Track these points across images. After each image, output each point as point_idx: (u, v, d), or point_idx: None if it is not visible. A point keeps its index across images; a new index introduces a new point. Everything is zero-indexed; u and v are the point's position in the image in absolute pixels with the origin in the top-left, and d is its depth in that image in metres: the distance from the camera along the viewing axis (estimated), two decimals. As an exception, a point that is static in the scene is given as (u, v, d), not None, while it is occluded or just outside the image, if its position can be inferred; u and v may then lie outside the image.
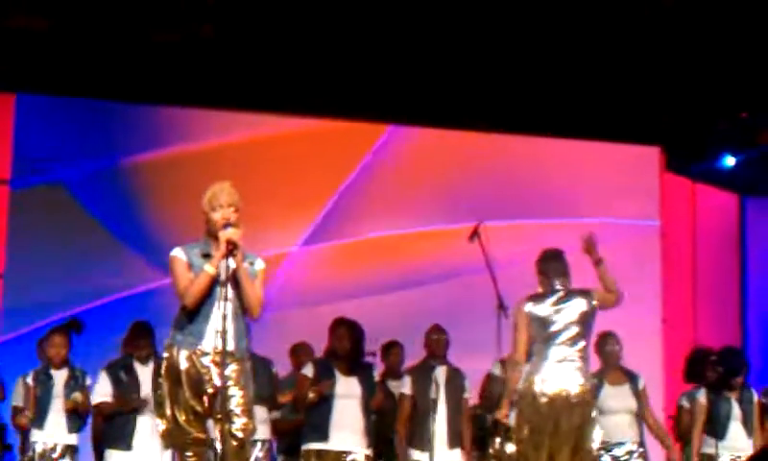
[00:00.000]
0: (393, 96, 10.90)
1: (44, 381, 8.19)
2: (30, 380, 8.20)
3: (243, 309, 5.86)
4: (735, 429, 8.39)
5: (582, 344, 6.98)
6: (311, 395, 7.88)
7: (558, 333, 6.93)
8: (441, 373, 8.31)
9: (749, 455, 7.77)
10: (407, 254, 11.33)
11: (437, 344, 8.44)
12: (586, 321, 7.00)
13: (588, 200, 11.48)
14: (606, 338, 8.10)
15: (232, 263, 5.77)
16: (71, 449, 8.17)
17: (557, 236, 10.92)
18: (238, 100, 10.87)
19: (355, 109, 11.04)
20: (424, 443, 8.10)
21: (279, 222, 10.82)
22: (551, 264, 7.13)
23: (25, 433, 8.18)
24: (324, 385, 7.85)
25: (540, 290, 7.11)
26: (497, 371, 8.14)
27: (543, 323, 6.96)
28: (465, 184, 11.34)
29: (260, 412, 8.10)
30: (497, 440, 8.04)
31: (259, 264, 5.98)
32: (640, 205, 11.70)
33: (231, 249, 5.74)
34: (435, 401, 8.14)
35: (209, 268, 5.78)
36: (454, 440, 8.25)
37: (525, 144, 11.63)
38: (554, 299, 7.03)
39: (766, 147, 11.66)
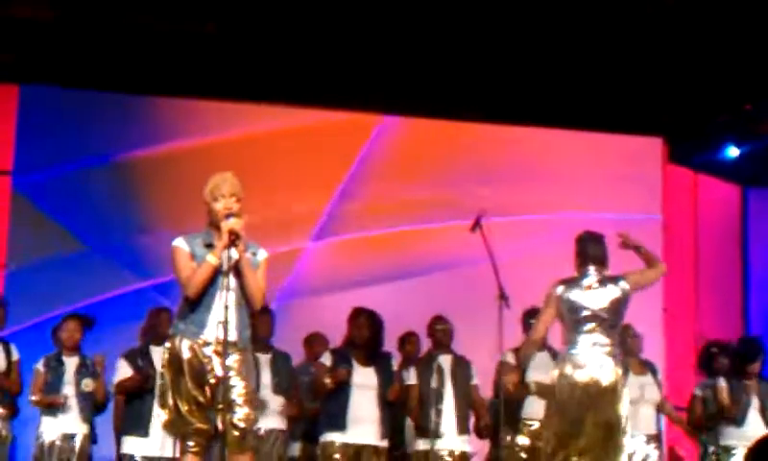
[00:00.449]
0: (393, 87, 10.89)
1: (56, 368, 8.22)
2: (41, 366, 8.24)
3: (245, 299, 5.87)
4: (754, 418, 8.42)
5: (613, 331, 6.85)
6: (327, 381, 7.91)
7: (589, 319, 6.79)
8: (445, 362, 8.34)
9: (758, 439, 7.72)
10: (408, 245, 11.33)
11: (442, 334, 8.48)
12: (617, 308, 6.87)
13: (589, 191, 11.48)
14: (625, 330, 8.06)
15: (234, 253, 5.76)
16: (83, 438, 8.19)
17: (558, 227, 11.05)
18: (242, 92, 10.89)
19: (355, 101, 11.04)
20: (431, 433, 8.12)
21: (282, 216, 10.83)
22: (589, 247, 6.98)
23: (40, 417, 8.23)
24: (340, 373, 7.90)
25: (575, 274, 6.97)
26: (510, 359, 8.14)
27: (575, 308, 6.82)
28: (466, 176, 11.33)
29: (279, 403, 8.15)
30: (509, 433, 8.10)
31: (262, 254, 5.98)
32: (642, 195, 11.70)
33: (234, 239, 5.74)
34: (438, 390, 8.16)
35: (212, 258, 5.78)
36: (463, 426, 8.28)
37: (527, 135, 11.62)
38: (587, 284, 6.89)
39: (769, 138, 11.67)
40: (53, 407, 8.13)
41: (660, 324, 11.30)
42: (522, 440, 8.19)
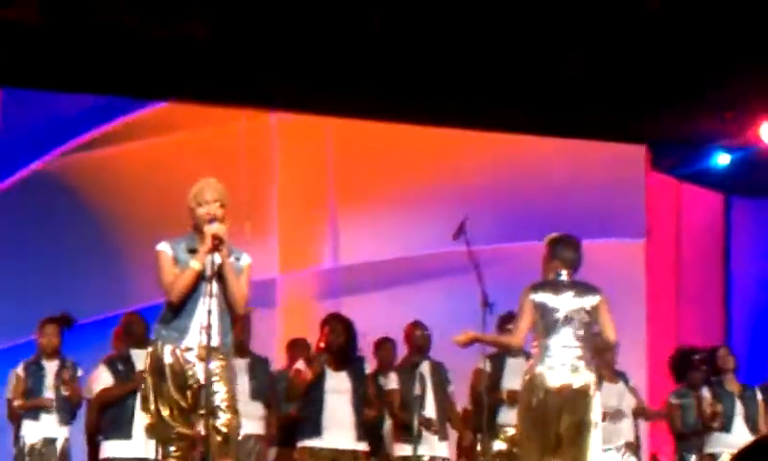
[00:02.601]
0: (383, 92, 10.89)
1: (35, 372, 8.19)
2: (21, 371, 8.21)
3: (228, 305, 5.86)
4: (739, 425, 8.44)
5: (585, 335, 6.77)
6: (307, 376, 7.93)
7: (561, 322, 6.73)
8: (425, 368, 8.36)
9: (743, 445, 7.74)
10: (391, 251, 11.34)
11: (421, 340, 8.52)
12: (589, 313, 6.79)
13: (572, 198, 11.49)
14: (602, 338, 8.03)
15: (218, 258, 5.76)
16: (64, 441, 8.17)
17: (541, 235, 11.06)
18: (230, 96, 10.89)
19: (345, 106, 11.05)
20: (411, 437, 8.14)
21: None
22: (564, 251, 6.90)
23: (18, 423, 8.18)
24: (315, 368, 7.93)
25: (549, 276, 6.90)
26: (487, 367, 8.14)
27: (546, 310, 6.75)
28: (450, 183, 11.34)
29: (257, 409, 8.14)
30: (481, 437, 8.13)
31: (245, 259, 5.98)
32: (625, 203, 11.72)
33: (217, 244, 5.74)
34: (421, 397, 8.17)
35: (195, 263, 5.78)
36: (443, 433, 8.34)
37: (509, 143, 11.64)
38: (559, 288, 6.82)
39: (752, 147, 11.68)
40: (36, 410, 8.09)
41: (642, 333, 11.33)
42: (499, 445, 8.20)
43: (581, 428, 6.66)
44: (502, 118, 11.28)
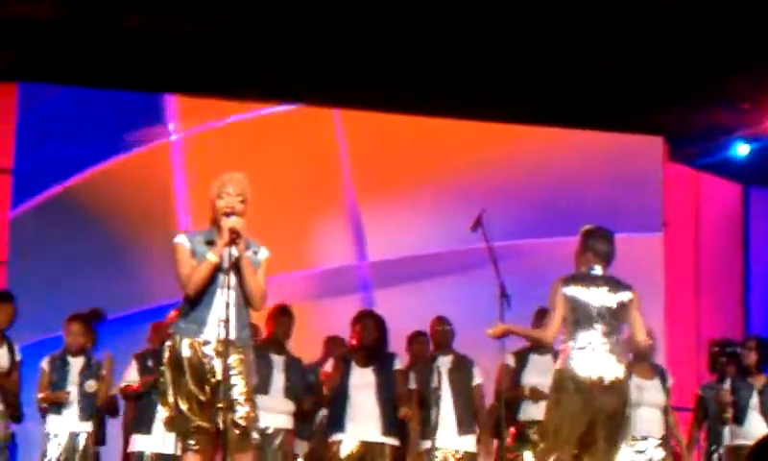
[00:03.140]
0: (400, 86, 10.89)
1: (60, 367, 8.22)
2: (45, 365, 8.24)
3: (245, 299, 5.85)
4: (753, 418, 8.41)
5: (615, 330, 6.65)
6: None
7: (592, 317, 6.61)
8: (444, 363, 8.35)
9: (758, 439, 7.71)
10: (411, 245, 11.34)
11: (441, 335, 8.51)
12: (620, 309, 6.67)
13: (590, 191, 11.47)
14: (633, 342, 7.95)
15: (235, 252, 5.75)
16: (87, 436, 8.18)
17: (559, 228, 11.05)
18: (245, 89, 10.90)
19: (365, 99, 11.04)
20: (429, 433, 8.14)
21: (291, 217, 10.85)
22: (597, 243, 6.76)
23: (43, 417, 8.21)
24: (335, 370, 8.01)
25: (581, 269, 6.77)
26: (510, 361, 8.14)
27: (578, 305, 6.63)
28: (467, 175, 11.33)
29: (289, 405, 8.19)
30: (509, 437, 8.08)
31: (263, 253, 5.96)
32: (643, 195, 11.69)
33: (234, 237, 5.73)
34: (437, 391, 8.15)
35: (212, 256, 5.76)
36: (464, 427, 8.28)
37: (527, 134, 11.63)
38: (591, 281, 6.69)
39: (770, 137, 11.65)
40: (57, 404, 8.11)
41: (661, 325, 11.29)
42: (523, 441, 8.16)
43: (613, 423, 6.58)
44: (519, 110, 11.27)
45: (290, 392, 8.18)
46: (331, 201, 11.34)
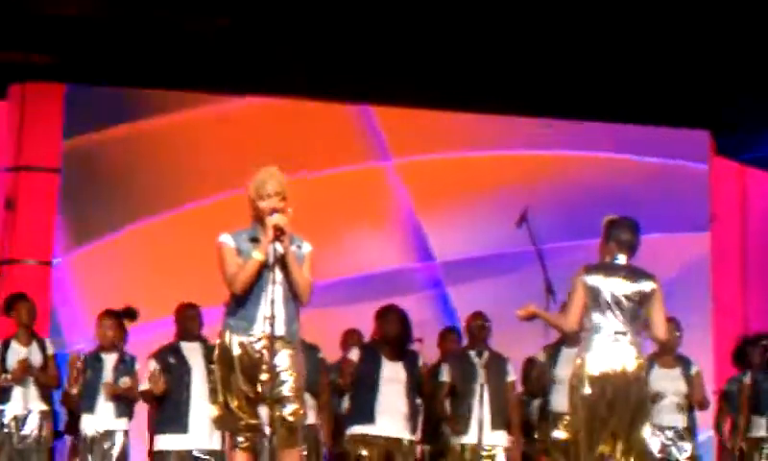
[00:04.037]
0: (432, 81, 10.87)
1: (93, 365, 8.24)
2: (79, 363, 8.28)
3: (293, 294, 5.87)
4: None
5: (636, 321, 6.59)
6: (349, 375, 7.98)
7: (613, 306, 6.55)
8: (479, 358, 8.34)
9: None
10: (452, 241, 11.34)
11: (478, 330, 8.47)
12: (642, 300, 6.61)
13: (635, 186, 11.41)
14: (670, 323, 7.89)
15: (280, 248, 5.77)
16: (122, 434, 8.21)
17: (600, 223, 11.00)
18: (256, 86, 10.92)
19: (393, 95, 11.04)
20: (464, 428, 8.13)
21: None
22: (622, 232, 6.70)
23: (75, 415, 8.26)
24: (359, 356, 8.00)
25: (605, 259, 6.72)
26: (541, 357, 8.14)
27: (599, 294, 6.57)
28: (507, 171, 11.31)
29: (308, 398, 8.15)
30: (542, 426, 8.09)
31: (306, 247, 5.96)
32: (689, 190, 11.62)
33: (278, 234, 5.74)
34: (471, 387, 8.15)
35: (257, 254, 5.77)
36: (497, 422, 8.27)
37: (572, 129, 11.58)
38: (613, 271, 6.64)
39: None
40: (93, 403, 8.14)
41: (708, 319, 11.22)
42: (558, 434, 8.13)
43: (635, 413, 6.54)
44: (565, 105, 11.21)
45: (307, 384, 8.16)
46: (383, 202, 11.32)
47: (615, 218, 6.80)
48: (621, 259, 6.69)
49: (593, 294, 6.60)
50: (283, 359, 5.75)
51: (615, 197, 11.15)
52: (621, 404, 6.51)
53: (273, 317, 5.67)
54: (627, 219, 6.80)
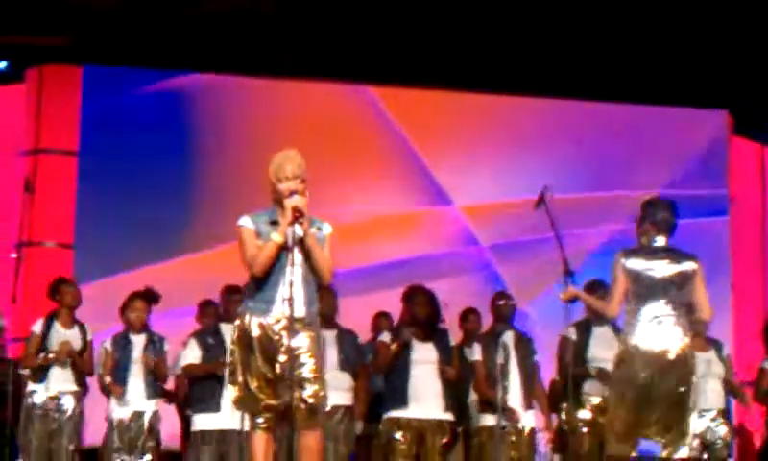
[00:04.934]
0: (461, 63, 10.86)
1: (123, 346, 8.28)
2: (108, 345, 8.32)
3: (314, 275, 5.86)
4: None
5: (680, 301, 6.52)
6: (392, 346, 7.97)
7: (656, 289, 6.48)
8: (509, 338, 8.31)
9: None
10: (473, 222, 11.34)
11: (504, 309, 8.46)
12: (684, 281, 6.53)
13: (653, 166, 11.38)
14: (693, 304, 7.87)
15: (299, 230, 5.78)
16: (151, 415, 8.25)
17: (622, 204, 10.99)
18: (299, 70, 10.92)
19: (426, 77, 11.02)
20: (495, 407, 8.10)
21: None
22: (659, 213, 6.61)
23: (108, 398, 8.30)
24: (402, 339, 7.97)
25: (643, 240, 6.64)
26: (572, 334, 8.09)
27: (641, 277, 6.50)
28: (527, 151, 11.29)
29: (345, 380, 8.19)
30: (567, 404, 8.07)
31: (327, 229, 5.97)
32: (708, 170, 11.58)
33: (297, 216, 5.75)
34: (504, 366, 8.13)
35: (276, 236, 5.78)
36: (528, 402, 8.28)
37: (588, 110, 11.55)
38: (653, 253, 6.56)
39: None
40: (123, 383, 8.19)
41: (728, 301, 11.18)
42: (584, 414, 8.11)
43: (679, 397, 6.49)
44: (581, 86, 11.18)
45: (346, 364, 8.18)
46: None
47: (652, 198, 6.74)
48: (660, 241, 6.61)
49: (634, 277, 6.53)
50: (303, 341, 5.77)
51: (631, 176, 11.15)
52: (663, 387, 6.45)
53: (292, 299, 5.68)
54: (663, 199, 6.73)
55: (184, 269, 10.62)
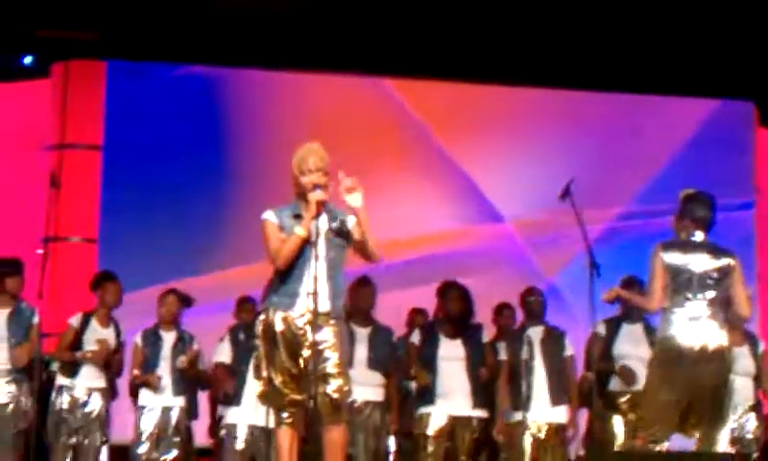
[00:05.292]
0: (487, 56, 10.85)
1: (153, 342, 8.28)
2: (139, 341, 8.32)
3: (366, 257, 5.90)
4: None
5: (717, 296, 6.47)
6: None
7: (693, 284, 6.43)
8: (536, 333, 8.26)
9: None
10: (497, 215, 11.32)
11: (533, 305, 8.41)
12: (722, 276, 6.49)
13: (680, 157, 11.34)
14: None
15: (323, 224, 5.78)
16: (179, 411, 8.25)
17: (647, 196, 10.96)
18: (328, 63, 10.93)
19: (447, 69, 11.00)
20: (520, 403, 8.08)
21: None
22: (698, 208, 6.58)
23: (136, 392, 8.31)
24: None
25: (681, 236, 6.60)
26: (601, 329, 8.03)
27: (678, 271, 6.45)
28: (556, 143, 11.26)
29: (375, 377, 8.16)
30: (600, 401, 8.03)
31: (351, 221, 5.97)
32: (734, 160, 11.51)
33: (321, 210, 5.77)
34: (528, 362, 8.10)
35: (299, 230, 5.80)
36: (557, 397, 8.18)
37: (617, 102, 11.51)
38: (691, 248, 6.51)
39: None
40: (148, 385, 8.22)
41: (754, 291, 11.10)
42: (611, 409, 8.08)
43: (717, 392, 6.46)
44: (609, 78, 11.14)
45: (375, 364, 8.12)
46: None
47: (692, 193, 6.68)
48: (698, 236, 6.57)
49: (672, 272, 6.48)
50: (327, 335, 5.77)
51: (657, 167, 11.11)
52: (701, 382, 6.40)
53: (316, 293, 5.68)
54: (703, 194, 6.67)
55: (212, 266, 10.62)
